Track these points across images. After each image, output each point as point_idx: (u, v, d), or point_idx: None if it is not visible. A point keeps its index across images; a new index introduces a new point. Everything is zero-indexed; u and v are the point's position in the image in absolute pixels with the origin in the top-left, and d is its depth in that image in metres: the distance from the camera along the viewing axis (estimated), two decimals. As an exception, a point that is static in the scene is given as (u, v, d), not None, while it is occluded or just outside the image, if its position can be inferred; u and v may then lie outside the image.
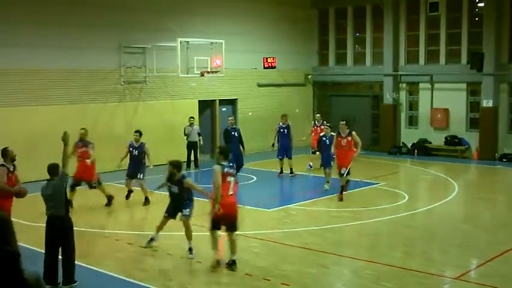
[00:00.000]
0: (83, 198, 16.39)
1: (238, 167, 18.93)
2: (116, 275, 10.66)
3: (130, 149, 16.80)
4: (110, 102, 22.27)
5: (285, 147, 20.95)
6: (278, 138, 21.11)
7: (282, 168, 20.84)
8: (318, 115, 23.10)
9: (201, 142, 22.91)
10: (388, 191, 18.37)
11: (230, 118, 20.31)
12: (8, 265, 4.54)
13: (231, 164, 10.99)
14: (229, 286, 10.12)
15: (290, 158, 20.96)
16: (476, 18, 25.61)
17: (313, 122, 23.00)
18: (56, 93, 20.80)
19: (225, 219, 10.71)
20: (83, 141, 16.09)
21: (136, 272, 10.82)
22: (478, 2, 25.82)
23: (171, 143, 23.36)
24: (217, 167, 10.58)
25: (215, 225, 10.86)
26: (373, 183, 19.39)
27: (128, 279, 10.45)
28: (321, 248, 12.22)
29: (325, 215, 15.26)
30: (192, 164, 22.78)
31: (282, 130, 21.04)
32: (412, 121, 27.47)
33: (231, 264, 10.75)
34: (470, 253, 12.13)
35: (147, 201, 16.43)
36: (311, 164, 22.03)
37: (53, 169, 10.03)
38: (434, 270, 10.88)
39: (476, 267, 11.21)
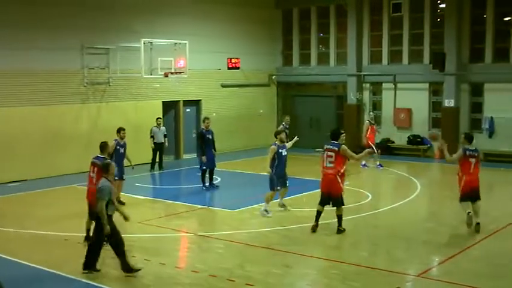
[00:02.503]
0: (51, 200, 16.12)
1: (211, 171, 18.75)
2: (78, 278, 10.50)
3: (117, 147, 16.13)
4: (73, 104, 21.96)
5: None
6: None
7: None
8: (371, 113, 22.98)
9: (167, 144, 22.76)
10: (352, 190, 18.42)
11: (207, 120, 18.70)
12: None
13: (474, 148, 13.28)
14: (192, 287, 10.05)
15: None
16: (438, 19, 25.92)
17: (368, 121, 22.99)
18: (18, 96, 20.43)
19: (472, 193, 13.23)
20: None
21: (97, 275, 10.67)
22: (440, 3, 26.15)
23: (136, 144, 23.09)
24: (460, 149, 13.35)
25: (466, 197, 13.32)
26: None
27: (89, 281, 10.33)
28: (285, 248, 12.23)
29: (290, 215, 15.24)
30: (157, 166, 22.62)
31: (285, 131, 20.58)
32: (376, 121, 27.62)
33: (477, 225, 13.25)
34: (433, 251, 12.27)
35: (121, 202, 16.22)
36: (380, 164, 22.80)
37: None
38: (398, 268, 10.99)
39: (439, 264, 11.32)
